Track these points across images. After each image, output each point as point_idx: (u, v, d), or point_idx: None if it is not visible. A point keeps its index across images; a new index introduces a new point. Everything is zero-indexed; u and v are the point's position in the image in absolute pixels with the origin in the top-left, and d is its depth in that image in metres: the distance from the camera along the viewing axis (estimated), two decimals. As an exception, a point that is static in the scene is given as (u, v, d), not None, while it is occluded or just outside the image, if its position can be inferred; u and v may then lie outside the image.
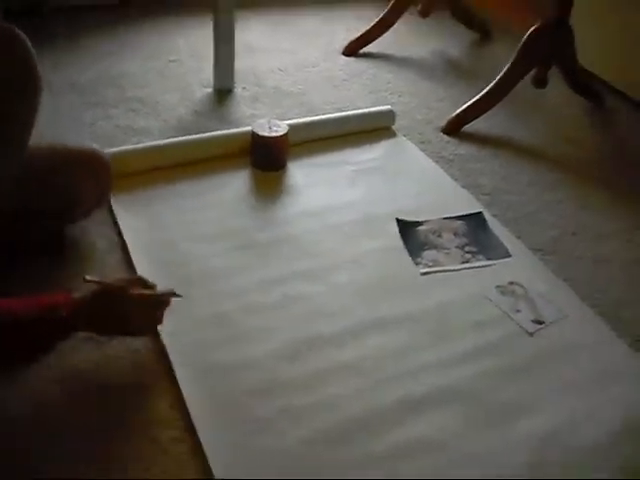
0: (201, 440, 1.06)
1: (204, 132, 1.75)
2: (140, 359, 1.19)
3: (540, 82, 1.96)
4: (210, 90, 2.02)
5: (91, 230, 1.45)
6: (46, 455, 1.03)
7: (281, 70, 2.17)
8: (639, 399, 1.21)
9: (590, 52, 2.14)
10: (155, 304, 1.17)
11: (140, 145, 1.67)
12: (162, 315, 1.18)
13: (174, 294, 1.19)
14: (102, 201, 1.43)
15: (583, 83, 2.13)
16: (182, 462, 1.04)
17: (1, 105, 1.06)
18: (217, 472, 1.02)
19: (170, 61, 2.14)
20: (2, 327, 1.01)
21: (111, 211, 1.49)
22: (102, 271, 1.33)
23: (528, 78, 1.96)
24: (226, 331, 1.25)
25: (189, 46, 2.24)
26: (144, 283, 1.17)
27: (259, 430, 1.09)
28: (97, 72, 2.03)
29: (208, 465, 1.03)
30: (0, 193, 1.08)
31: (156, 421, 1.10)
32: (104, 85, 1.98)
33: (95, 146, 1.41)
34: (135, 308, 1.13)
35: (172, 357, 1.18)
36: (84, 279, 1.12)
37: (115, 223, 1.47)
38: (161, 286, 1.20)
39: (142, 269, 1.34)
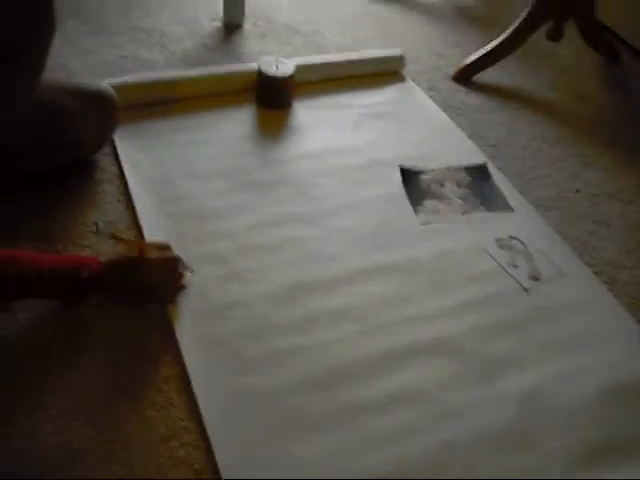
0: (190, 378, 1.06)
1: (210, 66, 1.72)
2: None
3: (555, 35, 1.91)
4: (219, 24, 1.98)
5: (94, 160, 1.44)
6: (48, 389, 1.04)
7: (292, 6, 2.12)
8: (630, 361, 1.20)
9: (609, 6, 2.09)
10: (173, 268, 1.18)
11: (144, 76, 1.63)
12: (181, 282, 1.19)
13: (187, 268, 1.20)
14: (108, 138, 1.44)
15: (599, 38, 2.08)
16: (172, 401, 1.04)
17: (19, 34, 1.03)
18: (205, 411, 1.02)
19: (180, -9, 2.10)
20: (25, 280, 1.02)
21: (112, 142, 1.48)
22: (101, 204, 1.34)
23: (543, 30, 1.92)
24: (218, 270, 1.24)
25: (200, -23, 2.19)
26: (161, 246, 1.19)
27: (245, 371, 1.09)
28: (102, -1, 1.99)
29: (195, 402, 1.04)
30: (13, 125, 1.07)
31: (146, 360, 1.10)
32: (108, 12, 1.94)
33: (105, 83, 1.43)
34: (154, 274, 1.14)
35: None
36: (96, 225, 1.19)
37: (116, 154, 1.46)
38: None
39: (140, 203, 1.34)
